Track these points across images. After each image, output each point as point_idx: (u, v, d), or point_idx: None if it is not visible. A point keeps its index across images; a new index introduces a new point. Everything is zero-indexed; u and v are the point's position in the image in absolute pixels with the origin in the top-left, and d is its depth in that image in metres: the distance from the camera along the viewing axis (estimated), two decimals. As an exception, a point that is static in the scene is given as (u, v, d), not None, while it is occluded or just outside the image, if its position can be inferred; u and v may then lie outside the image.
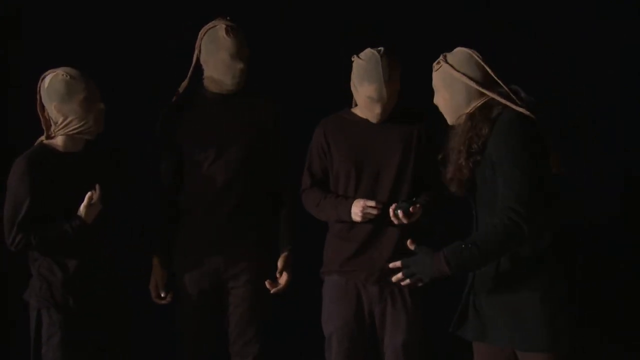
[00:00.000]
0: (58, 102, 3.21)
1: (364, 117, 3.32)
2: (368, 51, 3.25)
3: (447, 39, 4.08)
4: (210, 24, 3.33)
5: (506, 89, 2.76)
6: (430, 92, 3.40)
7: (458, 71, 2.78)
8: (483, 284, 2.78)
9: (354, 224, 3.28)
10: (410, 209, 3.17)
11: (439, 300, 3.37)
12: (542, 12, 4.05)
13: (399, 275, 2.74)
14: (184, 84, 3.42)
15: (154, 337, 3.92)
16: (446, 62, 2.81)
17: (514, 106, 2.71)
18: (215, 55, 3.29)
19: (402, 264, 2.75)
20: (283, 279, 3.43)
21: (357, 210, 3.23)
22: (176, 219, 3.43)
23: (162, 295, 3.46)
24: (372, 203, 3.22)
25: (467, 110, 2.78)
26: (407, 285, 2.78)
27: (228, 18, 3.34)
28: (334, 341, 3.33)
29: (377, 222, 3.27)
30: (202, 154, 3.34)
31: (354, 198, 3.26)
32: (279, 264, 3.43)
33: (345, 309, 3.31)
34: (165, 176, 3.42)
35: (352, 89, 3.29)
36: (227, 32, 3.29)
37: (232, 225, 3.36)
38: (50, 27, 4.13)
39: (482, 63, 2.78)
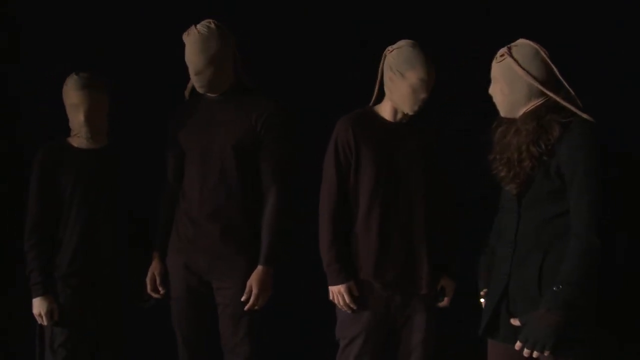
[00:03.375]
0: (63, 100, 3.42)
1: (390, 118, 3.28)
2: (403, 41, 3.24)
3: (449, 39, 4.10)
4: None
5: (571, 91, 2.72)
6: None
7: (522, 68, 2.73)
8: (520, 290, 2.75)
9: (387, 235, 3.23)
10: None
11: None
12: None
13: (526, 351, 2.66)
14: (190, 85, 3.44)
15: (153, 333, 3.91)
16: (511, 55, 2.76)
17: (580, 112, 2.69)
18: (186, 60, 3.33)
19: (520, 341, 2.67)
20: (253, 297, 3.34)
21: (336, 294, 3.26)
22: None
23: (160, 289, 3.45)
24: (350, 304, 3.24)
25: (526, 108, 2.76)
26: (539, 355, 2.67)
27: (208, 20, 3.31)
28: (356, 344, 3.28)
29: (410, 236, 3.24)
30: (190, 154, 3.38)
31: (373, 206, 3.23)
32: (250, 278, 3.35)
33: (373, 311, 3.27)
34: (168, 174, 3.48)
35: (393, 77, 3.20)
36: (187, 35, 3.32)
37: (217, 226, 3.35)
38: (51, 27, 4.13)
39: (548, 61, 2.74)
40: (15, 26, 4.15)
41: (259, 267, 3.35)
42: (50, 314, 3.39)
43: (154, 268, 3.47)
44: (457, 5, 4.13)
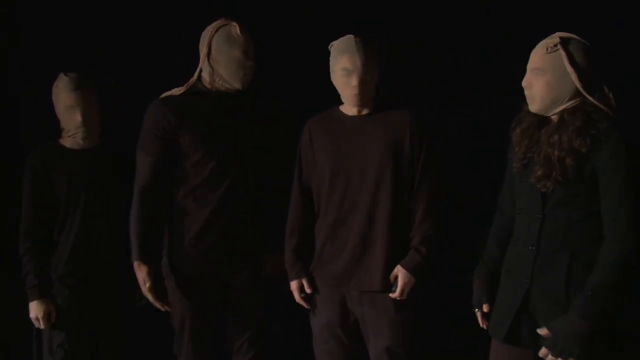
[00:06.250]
0: (53, 101, 3.44)
1: (349, 112, 3.25)
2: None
3: (449, 39, 4.10)
4: (220, 22, 3.30)
5: (610, 96, 2.68)
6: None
7: (573, 65, 2.66)
8: (545, 294, 2.70)
9: (336, 230, 3.23)
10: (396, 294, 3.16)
11: (427, 303, 3.36)
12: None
13: (550, 358, 2.64)
14: (192, 80, 3.34)
15: (153, 333, 3.91)
16: (565, 49, 2.67)
17: (619, 119, 2.65)
18: (228, 53, 3.27)
19: (546, 347, 2.64)
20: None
21: (294, 289, 3.30)
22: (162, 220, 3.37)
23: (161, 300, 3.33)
24: (300, 301, 3.29)
25: (565, 106, 2.69)
26: None
27: (230, 18, 3.33)
28: (319, 340, 3.32)
29: (367, 230, 3.19)
30: (208, 154, 3.29)
31: (329, 202, 3.22)
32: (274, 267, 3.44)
33: (329, 310, 3.27)
34: (149, 177, 3.31)
35: (332, 77, 3.24)
36: (241, 30, 3.29)
37: (239, 225, 3.33)
38: (50, 27, 4.14)
39: (597, 63, 2.69)
40: (15, 26, 4.15)
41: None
42: (47, 316, 3.39)
43: (149, 278, 3.28)
44: (457, 5, 4.13)
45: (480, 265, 2.96)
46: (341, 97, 3.24)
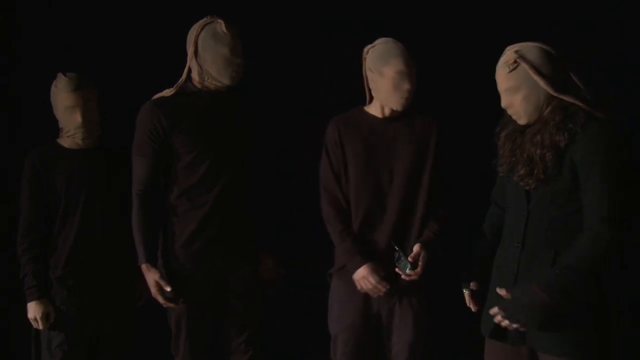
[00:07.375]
0: (52, 102, 3.43)
1: (379, 114, 3.29)
2: (378, 40, 3.25)
3: (449, 40, 4.10)
4: (205, 20, 3.29)
5: (581, 88, 2.70)
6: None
7: (539, 74, 2.68)
8: None
9: (367, 230, 3.25)
10: (409, 265, 3.16)
11: (440, 300, 3.38)
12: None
13: (497, 318, 2.67)
14: (182, 80, 3.32)
15: (153, 333, 3.92)
16: (525, 61, 2.70)
17: (597, 113, 2.65)
18: (215, 51, 3.26)
19: (498, 308, 2.67)
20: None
21: (361, 280, 3.21)
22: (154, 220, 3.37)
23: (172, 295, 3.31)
24: (378, 284, 3.19)
25: (545, 111, 2.71)
26: (516, 329, 2.66)
27: (215, 16, 3.32)
28: (339, 341, 3.32)
29: (395, 232, 3.23)
30: (201, 154, 3.29)
31: (363, 202, 3.23)
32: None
33: (352, 310, 3.29)
34: (146, 178, 3.30)
35: (373, 77, 3.24)
36: (227, 27, 3.28)
37: (234, 225, 3.34)
38: (50, 26, 4.14)
39: (563, 62, 2.71)
40: (15, 26, 4.15)
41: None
42: (46, 317, 3.38)
43: (156, 277, 3.27)
44: (458, 5, 4.13)
45: (480, 241, 3.01)
46: (380, 99, 3.25)
